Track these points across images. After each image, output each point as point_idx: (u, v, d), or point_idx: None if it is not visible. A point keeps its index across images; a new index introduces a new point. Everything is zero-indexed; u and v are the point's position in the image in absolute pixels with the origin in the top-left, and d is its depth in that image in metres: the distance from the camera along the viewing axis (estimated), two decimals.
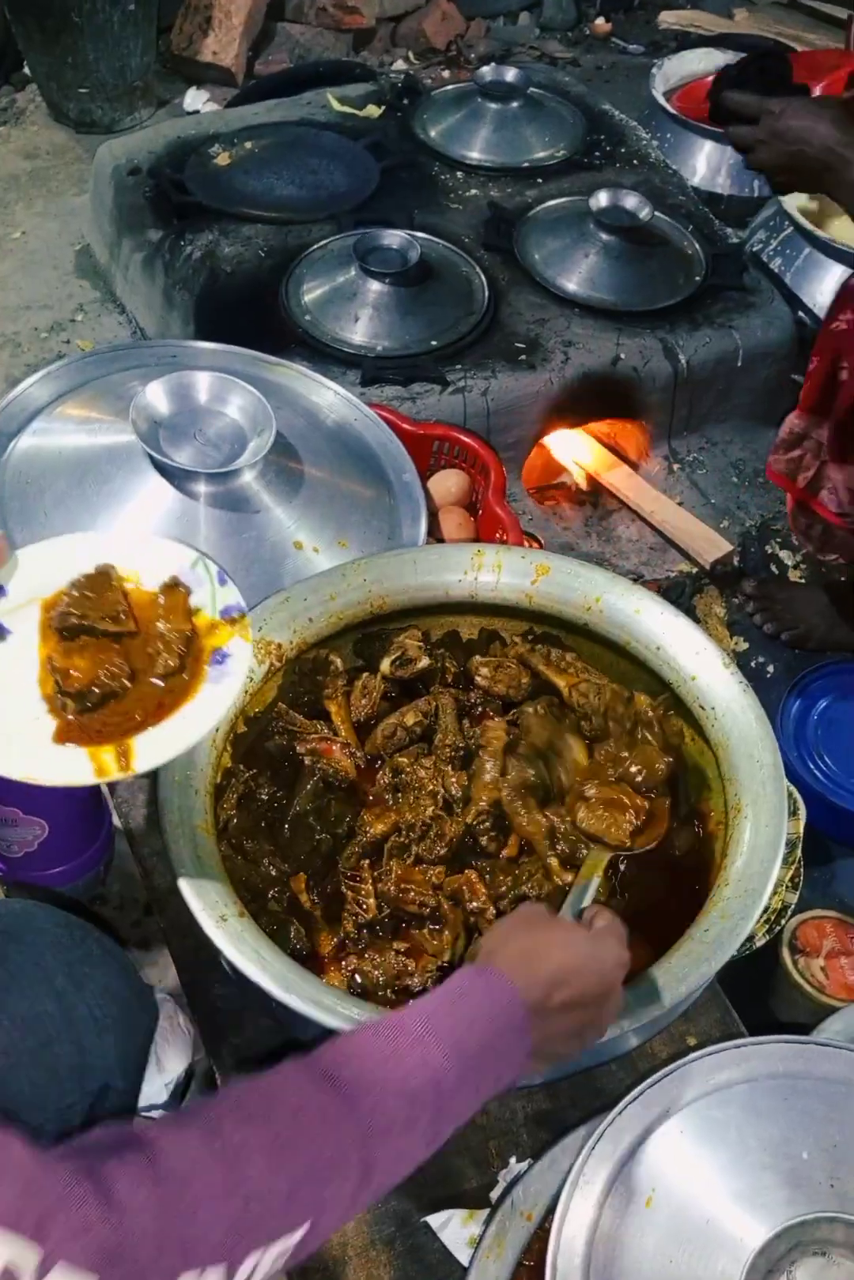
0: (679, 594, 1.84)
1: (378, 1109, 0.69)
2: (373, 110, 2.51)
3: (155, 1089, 1.40)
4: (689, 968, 0.91)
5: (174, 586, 0.98)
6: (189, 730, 0.90)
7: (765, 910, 1.16)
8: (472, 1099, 0.75)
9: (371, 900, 1.04)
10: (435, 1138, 0.73)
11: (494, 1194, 1.00)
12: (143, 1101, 1.38)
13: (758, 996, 1.20)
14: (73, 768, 0.87)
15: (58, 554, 1.00)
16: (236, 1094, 0.69)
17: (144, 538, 1.05)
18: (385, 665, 1.19)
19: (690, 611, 1.79)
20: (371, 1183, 0.69)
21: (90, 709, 0.89)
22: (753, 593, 1.86)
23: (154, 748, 0.89)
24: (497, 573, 1.20)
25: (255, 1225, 0.63)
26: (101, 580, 0.96)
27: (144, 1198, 0.59)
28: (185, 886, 0.96)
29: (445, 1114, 0.72)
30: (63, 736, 0.88)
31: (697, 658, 1.12)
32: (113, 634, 0.93)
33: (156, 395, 1.29)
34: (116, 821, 1.43)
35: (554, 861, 1.05)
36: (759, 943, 1.18)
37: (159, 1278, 0.59)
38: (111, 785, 1.31)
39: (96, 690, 0.90)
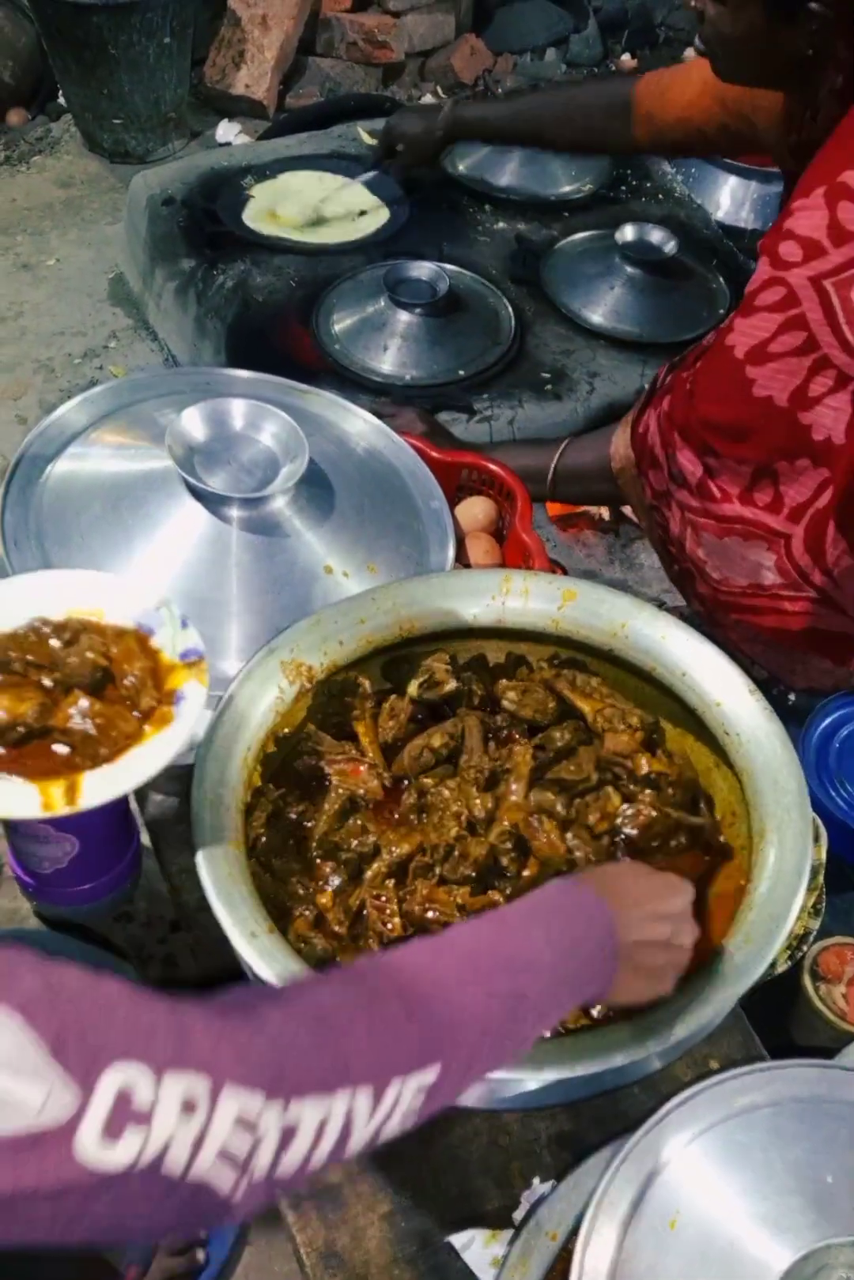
0: (701, 624, 1.85)
1: (491, 977, 0.76)
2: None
3: None
4: (714, 991, 0.92)
5: (136, 628, 1.02)
6: (138, 769, 0.93)
7: (788, 936, 1.17)
8: (568, 988, 0.81)
9: (396, 919, 1.06)
10: (539, 1018, 0.79)
11: (517, 1215, 1.00)
12: None
13: (779, 1022, 1.21)
14: (20, 801, 0.90)
15: (26, 590, 1.03)
16: (336, 977, 0.75)
17: (109, 579, 1.09)
18: (413, 688, 1.20)
19: (713, 638, 1.80)
20: (484, 1048, 0.74)
21: (12, 744, 0.93)
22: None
23: (102, 785, 0.92)
24: (524, 598, 1.22)
25: (394, 1057, 0.68)
26: (59, 625, 1.00)
27: (295, 1026, 0.65)
28: (216, 902, 0.97)
29: (545, 996, 0.79)
30: None
31: (721, 683, 1.13)
32: (32, 676, 0.97)
33: (192, 422, 1.32)
34: (145, 838, 1.45)
35: None
36: (781, 969, 1.18)
37: (319, 1091, 0.64)
38: (141, 801, 1.33)
39: (20, 728, 0.93)
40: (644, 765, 1.14)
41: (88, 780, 0.92)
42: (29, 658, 0.98)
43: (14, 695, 0.95)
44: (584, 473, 1.55)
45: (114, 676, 0.99)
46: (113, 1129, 0.56)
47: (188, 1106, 0.59)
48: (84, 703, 0.96)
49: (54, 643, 1.00)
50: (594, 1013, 0.98)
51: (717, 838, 1.11)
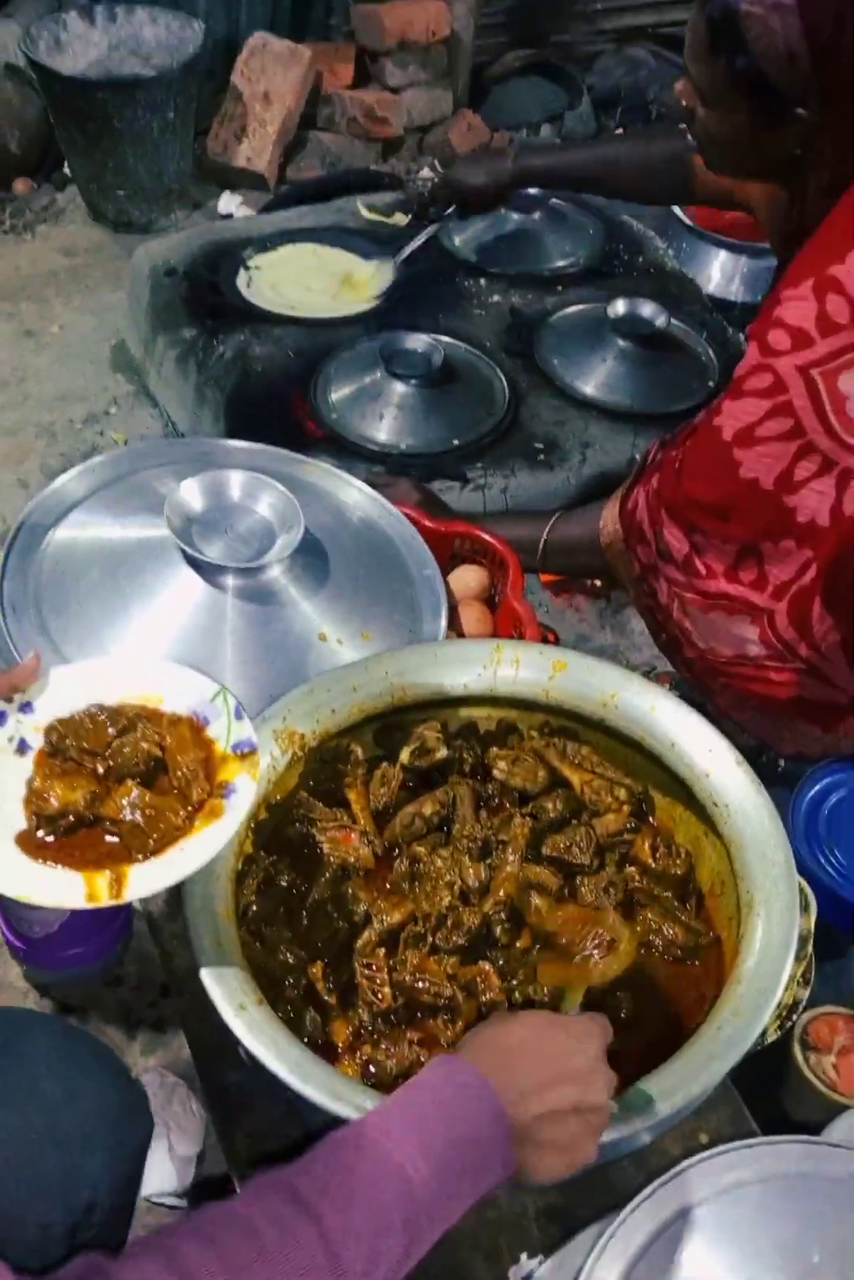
0: (690, 688, 1.87)
1: (346, 1217, 0.69)
2: (400, 218, 2.62)
3: (165, 1173, 1.40)
4: (702, 1065, 0.92)
5: (191, 717, 1.02)
6: (185, 862, 0.93)
7: (777, 1005, 1.17)
8: (450, 1199, 0.74)
9: (386, 989, 1.06)
10: (414, 1241, 0.72)
11: None
12: (151, 1189, 1.38)
13: (769, 1092, 1.20)
14: (66, 891, 0.90)
15: (85, 675, 1.04)
16: (197, 1218, 0.69)
17: (169, 666, 1.09)
18: (405, 755, 1.21)
19: (702, 707, 1.82)
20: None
21: (62, 833, 0.93)
22: None
23: (148, 878, 0.92)
24: (515, 668, 1.24)
25: None
26: (115, 712, 1.01)
27: None
28: (206, 974, 0.97)
29: (422, 1217, 0.72)
30: (38, 855, 0.92)
31: (710, 755, 1.14)
32: (86, 764, 0.97)
33: (191, 492, 1.35)
34: (137, 904, 1.46)
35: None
36: (771, 1039, 1.18)
37: None
38: None
39: (70, 816, 0.93)
40: (648, 854, 1.14)
41: (135, 872, 0.92)
42: (84, 745, 0.99)
43: (66, 783, 0.96)
44: (573, 546, 1.58)
45: (167, 766, 0.99)
46: None
47: None
48: (135, 793, 0.96)
49: (110, 730, 1.00)
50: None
51: (703, 938, 1.11)
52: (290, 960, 1.08)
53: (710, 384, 2.20)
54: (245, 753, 0.99)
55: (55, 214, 3.36)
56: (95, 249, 3.22)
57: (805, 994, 1.24)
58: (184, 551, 1.31)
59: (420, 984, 1.05)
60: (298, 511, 1.35)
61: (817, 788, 1.60)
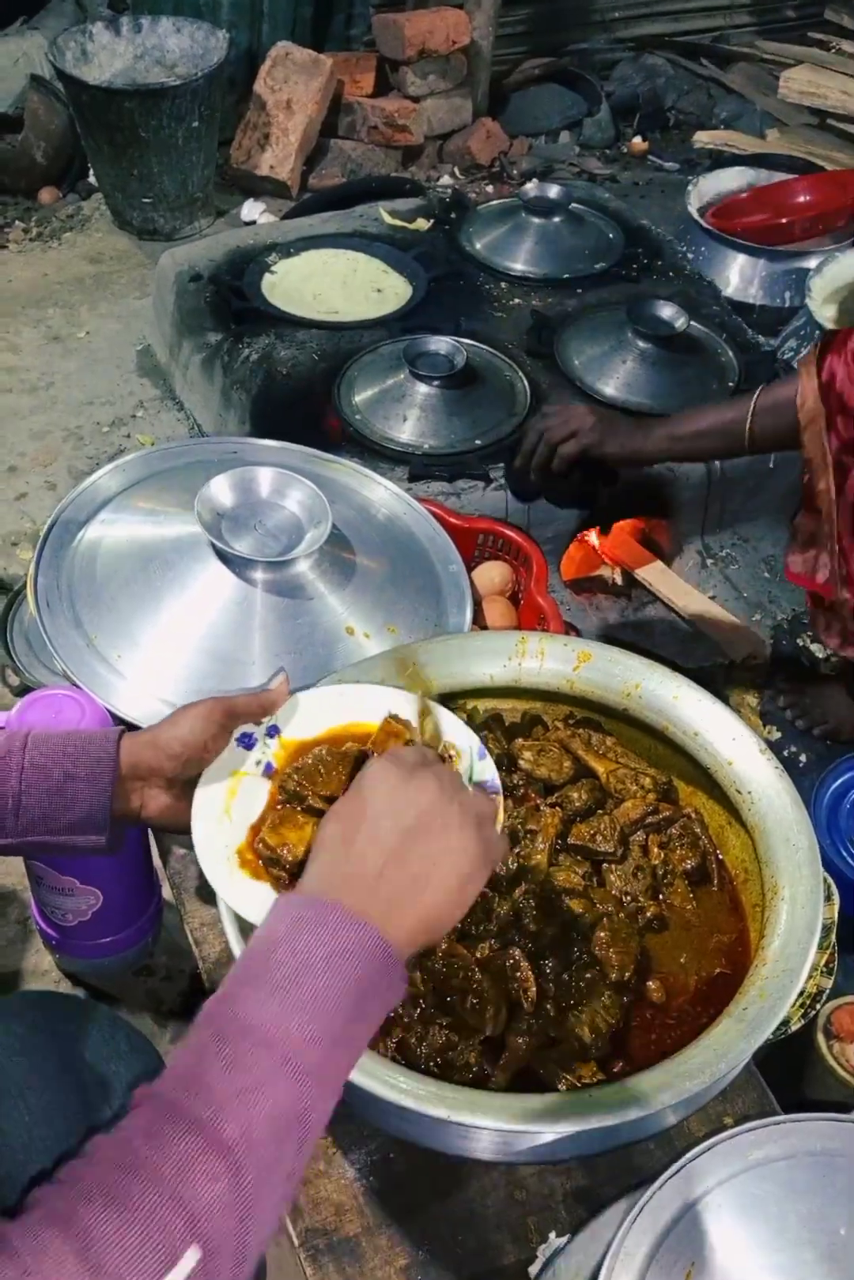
0: (712, 684, 1.89)
1: (222, 1100, 0.65)
2: (422, 223, 2.65)
3: None
4: (728, 1045, 0.94)
5: (447, 754, 0.99)
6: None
7: (801, 994, 1.18)
8: (343, 1051, 0.70)
9: (417, 974, 1.08)
10: (309, 1112, 0.67)
11: (533, 1269, 1.01)
12: None
13: (793, 1081, 1.22)
14: None
15: (333, 699, 1.02)
16: (91, 1151, 0.65)
17: (414, 697, 1.06)
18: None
19: (725, 701, 1.84)
20: (243, 1181, 0.63)
21: (287, 874, 0.90)
22: (784, 689, 1.89)
23: None
24: (540, 659, 1.25)
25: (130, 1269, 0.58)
26: (347, 757, 0.96)
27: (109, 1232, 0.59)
28: (238, 950, 0.99)
29: (312, 1089, 0.67)
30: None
31: (733, 744, 1.15)
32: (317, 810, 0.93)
33: (221, 488, 1.38)
34: (168, 893, 1.48)
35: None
36: (795, 1027, 1.20)
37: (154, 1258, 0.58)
38: (164, 856, 1.36)
39: (290, 859, 0.90)
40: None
41: None
42: (319, 791, 0.95)
43: (300, 831, 0.92)
44: (780, 410, 1.53)
45: None
46: None
47: None
48: None
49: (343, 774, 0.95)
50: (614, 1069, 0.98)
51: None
52: None
53: (730, 385, 2.21)
54: (492, 795, 0.95)
55: (81, 222, 3.41)
56: (121, 256, 3.26)
57: (829, 984, 1.26)
58: (214, 546, 1.34)
59: (452, 967, 1.07)
60: (326, 507, 1.37)
61: (839, 781, 1.62)
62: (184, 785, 0.96)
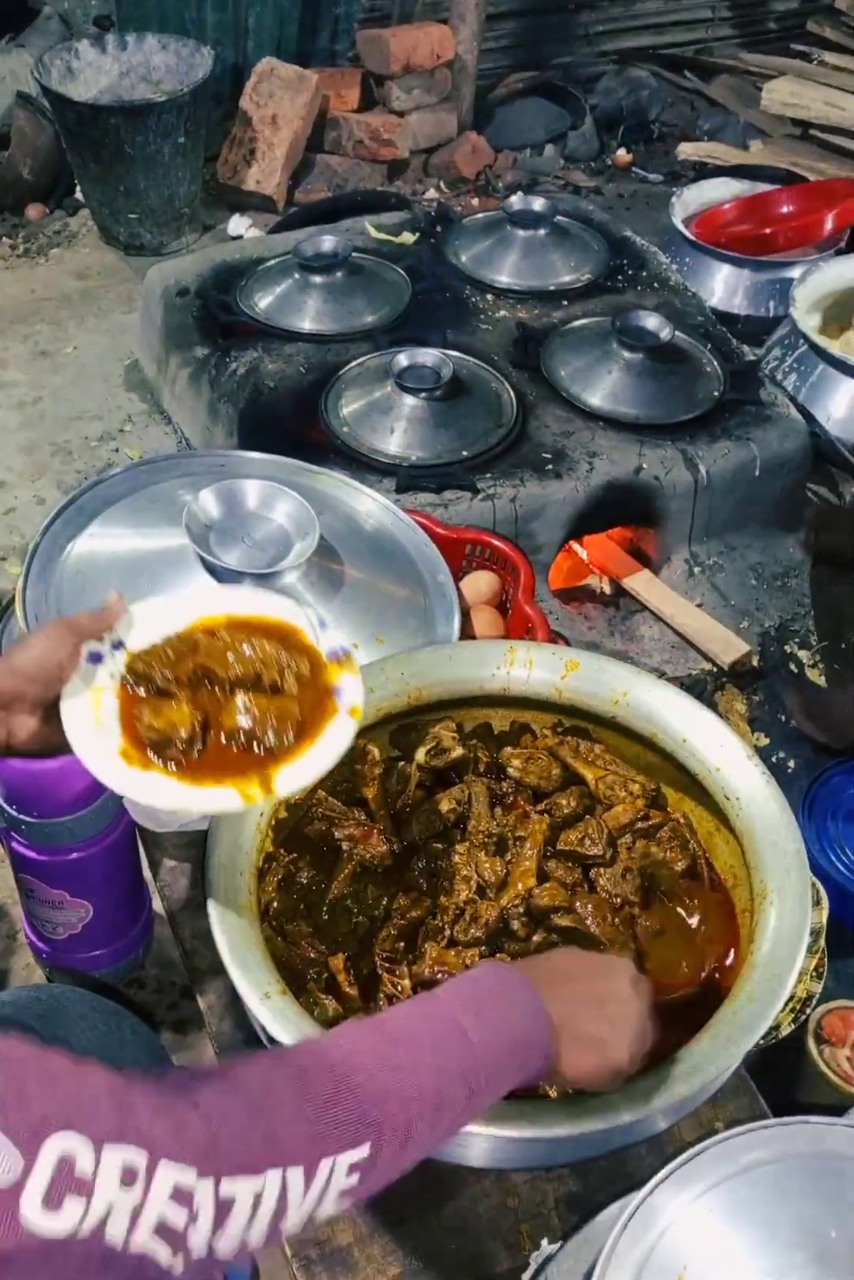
0: (700, 691, 1.90)
1: (420, 1058, 0.77)
2: (407, 237, 2.66)
3: None
4: (718, 1049, 0.94)
5: (282, 622, 1.05)
6: (322, 759, 0.96)
7: (791, 999, 1.19)
8: (501, 1069, 0.81)
9: (407, 982, 1.08)
10: (472, 1095, 0.79)
11: (526, 1276, 1.01)
12: None
13: (784, 1085, 1.22)
14: (219, 799, 0.94)
15: (170, 607, 1.06)
16: (299, 1042, 0.77)
17: (250, 591, 1.13)
18: (420, 755, 1.24)
19: (712, 708, 1.85)
20: (417, 1129, 0.74)
21: (181, 752, 0.95)
22: (793, 703, 1.87)
23: (293, 777, 0.96)
24: (528, 668, 1.26)
25: (327, 1134, 0.69)
26: (187, 638, 1.02)
27: (229, 1103, 0.67)
28: (231, 965, 1.00)
29: (480, 1075, 0.79)
30: (186, 776, 0.95)
31: (721, 750, 1.16)
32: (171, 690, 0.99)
33: (208, 501, 1.38)
34: (158, 906, 1.48)
35: None
36: (785, 1033, 1.20)
37: (250, 1169, 0.65)
38: (154, 868, 1.36)
39: (184, 736, 0.95)
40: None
41: (280, 774, 0.95)
42: (166, 671, 1.00)
43: (156, 709, 0.97)
44: None
45: (280, 674, 1.01)
46: (54, 1197, 0.57)
47: (126, 1178, 0.60)
48: (243, 699, 0.98)
49: (190, 656, 1.01)
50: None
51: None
52: (312, 954, 1.10)
53: (715, 394, 2.23)
54: (342, 657, 1.02)
55: (68, 238, 3.41)
56: (107, 271, 3.27)
57: (818, 988, 1.27)
58: (202, 558, 1.34)
59: (440, 976, 1.07)
60: (313, 519, 1.38)
61: (827, 787, 1.63)
62: (46, 710, 0.97)
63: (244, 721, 0.97)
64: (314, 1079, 0.71)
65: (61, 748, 0.95)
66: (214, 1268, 0.65)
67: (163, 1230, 0.61)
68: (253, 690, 1.00)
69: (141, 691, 0.99)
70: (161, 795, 0.93)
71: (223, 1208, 0.63)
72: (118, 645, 1.01)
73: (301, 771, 0.96)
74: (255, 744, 0.97)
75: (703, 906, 1.12)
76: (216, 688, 1.00)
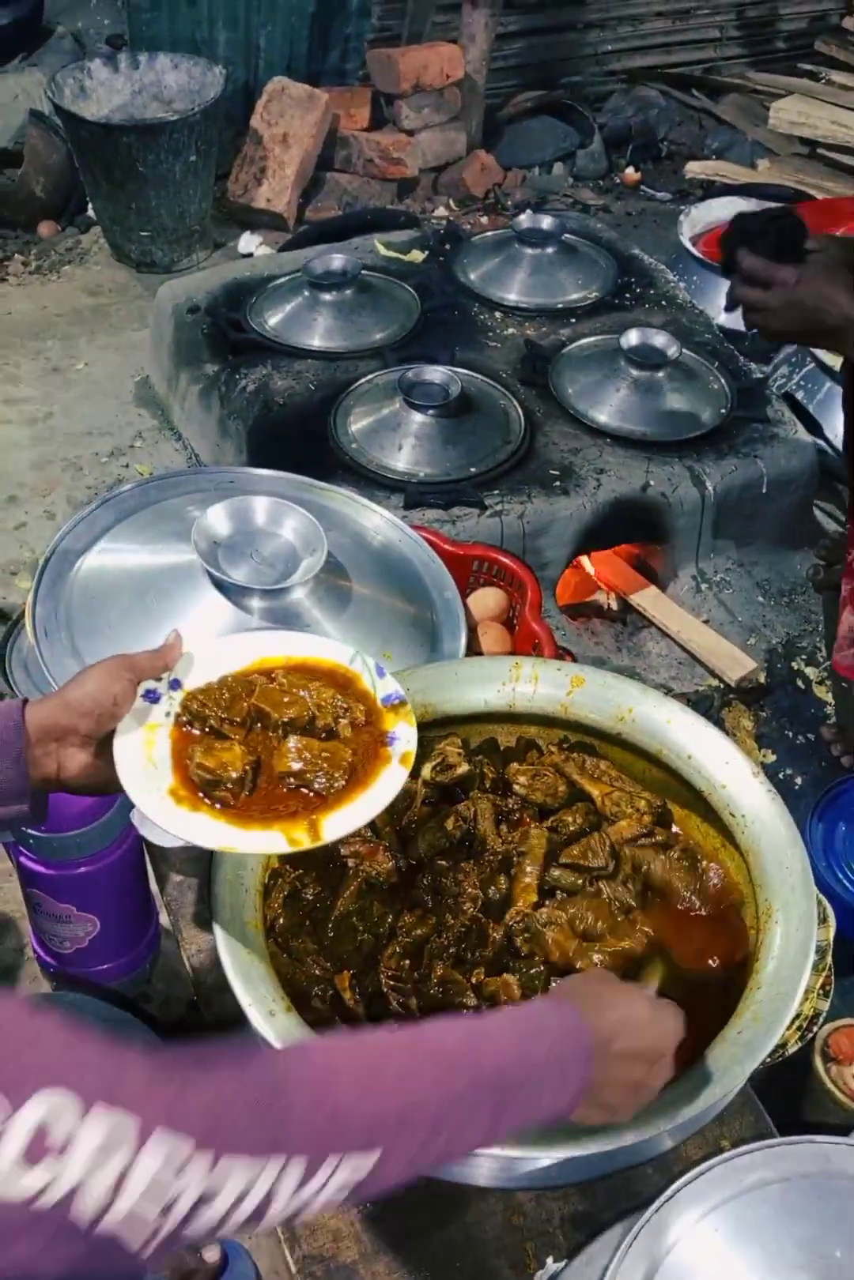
0: (707, 707, 1.90)
1: (446, 1080, 0.76)
2: (417, 255, 2.68)
3: None
4: (724, 1068, 0.94)
5: (346, 673, 1.06)
6: (373, 804, 0.97)
7: (797, 1016, 1.18)
8: (530, 1103, 0.80)
9: (413, 1000, 1.08)
10: (493, 1127, 0.78)
11: None
12: None
13: (791, 1104, 1.22)
14: (265, 841, 0.95)
15: (229, 648, 1.08)
16: (325, 1037, 0.76)
17: (311, 636, 1.15)
18: (426, 771, 1.24)
19: (719, 724, 1.84)
20: (433, 1145, 0.74)
21: (230, 792, 0.96)
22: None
23: (340, 823, 0.96)
24: (534, 684, 1.26)
25: (336, 1137, 0.69)
26: (244, 679, 1.03)
27: (241, 1087, 0.66)
28: (236, 981, 1.00)
29: (505, 1107, 0.78)
30: (237, 820, 0.95)
31: (726, 767, 1.16)
32: (226, 732, 1.00)
33: (217, 517, 1.39)
34: (164, 920, 1.48)
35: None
36: (792, 1050, 1.20)
37: (250, 1155, 0.64)
38: (161, 883, 1.37)
39: (233, 776, 0.96)
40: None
41: (328, 821, 0.95)
42: (221, 713, 1.01)
43: (207, 748, 0.98)
44: None
45: (336, 719, 1.02)
46: (32, 1154, 0.56)
47: (110, 1146, 0.59)
48: (294, 743, 0.99)
49: (245, 698, 1.02)
50: None
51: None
52: (317, 971, 1.10)
53: (722, 412, 2.23)
54: (396, 704, 1.03)
55: (80, 255, 3.44)
56: (119, 289, 3.29)
57: (825, 1006, 1.26)
58: (211, 574, 1.35)
59: (446, 995, 1.07)
60: (321, 535, 1.38)
61: (833, 805, 1.62)
62: (99, 745, 0.97)
63: (295, 765, 0.98)
64: (338, 1081, 0.71)
65: (111, 784, 0.96)
66: (181, 1244, 0.64)
67: (145, 1198, 0.59)
68: (306, 734, 1.00)
69: (195, 730, 0.99)
70: (208, 836, 0.93)
71: (209, 1191, 0.62)
72: (175, 684, 1.02)
73: (350, 818, 0.96)
74: (305, 788, 0.97)
75: (708, 930, 1.12)
76: (270, 730, 1.01)
